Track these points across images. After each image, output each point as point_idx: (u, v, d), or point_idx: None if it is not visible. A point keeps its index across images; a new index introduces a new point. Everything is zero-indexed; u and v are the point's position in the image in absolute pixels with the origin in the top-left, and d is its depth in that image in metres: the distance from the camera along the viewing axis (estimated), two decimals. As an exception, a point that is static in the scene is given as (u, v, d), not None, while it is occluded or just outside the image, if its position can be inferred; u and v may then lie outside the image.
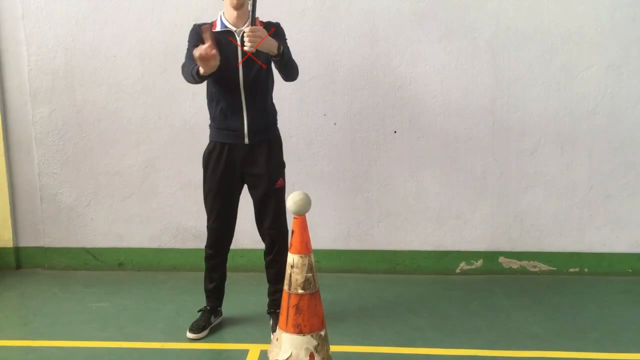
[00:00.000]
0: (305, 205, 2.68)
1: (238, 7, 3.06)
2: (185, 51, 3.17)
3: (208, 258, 3.42)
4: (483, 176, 4.11)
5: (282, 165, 3.33)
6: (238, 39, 3.09)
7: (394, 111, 4.05)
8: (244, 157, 3.22)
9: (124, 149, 4.18)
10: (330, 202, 4.16)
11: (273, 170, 3.25)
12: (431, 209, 4.16)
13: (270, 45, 2.96)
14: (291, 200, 2.67)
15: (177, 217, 4.22)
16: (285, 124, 4.02)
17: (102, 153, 4.19)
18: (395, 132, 4.08)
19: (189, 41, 3.16)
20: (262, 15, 3.97)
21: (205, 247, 3.41)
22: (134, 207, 4.24)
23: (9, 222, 4.28)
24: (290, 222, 2.75)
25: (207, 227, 3.37)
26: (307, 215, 2.71)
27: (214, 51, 2.82)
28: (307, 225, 2.70)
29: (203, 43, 2.87)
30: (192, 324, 3.39)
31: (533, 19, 3.91)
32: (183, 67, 3.13)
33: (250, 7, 2.98)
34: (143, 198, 4.23)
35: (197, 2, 3.98)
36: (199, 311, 3.49)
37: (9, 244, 4.31)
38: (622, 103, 3.98)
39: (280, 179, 3.29)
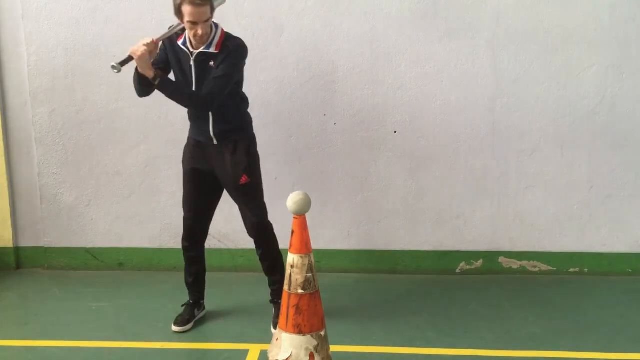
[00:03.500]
0: (305, 205, 2.68)
1: (199, 42, 3.13)
2: None
3: (185, 250, 3.52)
4: (483, 176, 4.11)
5: (246, 163, 3.31)
6: (192, 60, 3.16)
7: (394, 111, 4.05)
8: (213, 156, 3.32)
9: (124, 149, 4.18)
10: (330, 202, 4.16)
11: (235, 167, 3.29)
12: (431, 209, 4.16)
13: (145, 69, 3.07)
14: (291, 200, 2.67)
15: (177, 217, 4.19)
16: (285, 124, 4.04)
17: (102, 153, 4.18)
18: (395, 132, 4.07)
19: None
20: (263, 15, 3.98)
21: (182, 239, 3.52)
22: (134, 207, 4.24)
23: (9, 222, 4.28)
24: (290, 222, 2.75)
25: (183, 219, 3.48)
26: (307, 215, 2.71)
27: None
28: (307, 225, 2.71)
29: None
30: (177, 317, 3.48)
31: (533, 19, 3.91)
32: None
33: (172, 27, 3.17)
34: (143, 198, 4.23)
35: (197, 2, 3.97)
36: (182, 305, 3.56)
37: (9, 244, 4.31)
38: (622, 103, 3.98)
39: (244, 175, 3.30)
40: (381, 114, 4.06)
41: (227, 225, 4.12)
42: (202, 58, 3.15)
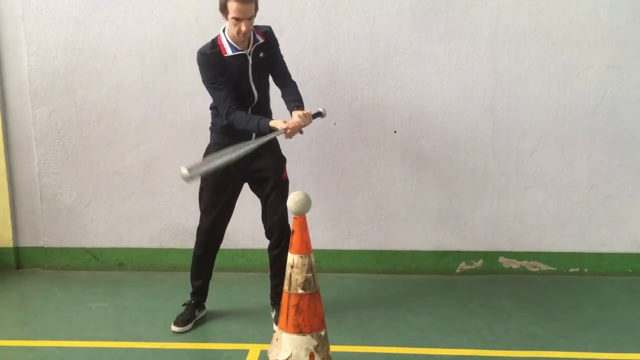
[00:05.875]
0: (305, 205, 2.68)
1: (244, 39, 3.19)
2: (207, 82, 3.25)
3: (198, 257, 3.50)
4: (483, 176, 4.11)
5: (284, 159, 3.46)
6: (250, 58, 3.23)
7: (394, 111, 4.05)
8: (250, 157, 3.24)
9: (124, 149, 4.18)
10: (330, 202, 4.16)
11: (279, 163, 3.39)
12: (431, 209, 4.16)
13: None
14: (291, 200, 2.67)
15: (177, 217, 4.22)
16: (285, 124, 4.03)
17: (102, 153, 4.19)
18: (395, 132, 4.08)
19: (207, 73, 3.22)
20: (263, 15, 3.98)
21: (195, 247, 3.49)
22: (134, 207, 4.24)
23: (9, 222, 4.28)
24: (290, 222, 2.75)
25: (200, 226, 3.43)
26: (307, 215, 2.71)
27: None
28: (307, 225, 2.71)
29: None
30: (177, 317, 3.48)
31: (533, 19, 3.91)
32: (225, 109, 3.21)
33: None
34: (143, 198, 4.23)
35: (197, 2, 3.98)
36: (183, 305, 3.57)
37: (9, 244, 4.31)
38: (622, 103, 3.98)
39: (285, 171, 3.42)
40: (381, 114, 4.06)
41: (227, 225, 4.11)
42: (257, 52, 3.24)
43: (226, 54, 3.19)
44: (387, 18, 3.95)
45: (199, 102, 4.02)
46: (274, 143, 3.37)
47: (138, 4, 4.00)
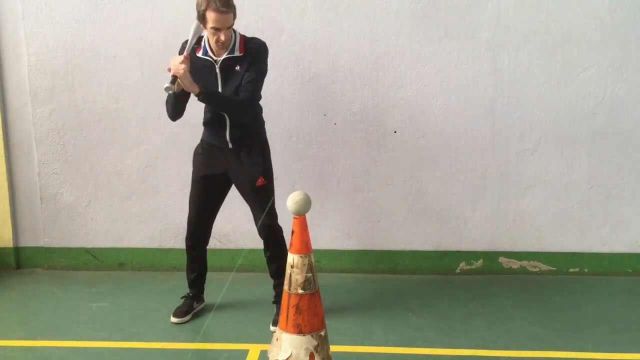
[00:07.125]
0: (305, 205, 2.68)
1: (222, 47, 3.17)
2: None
3: (188, 249, 3.58)
4: (483, 176, 4.11)
5: (262, 166, 3.39)
6: (217, 67, 3.21)
7: (394, 111, 4.05)
8: (229, 159, 3.36)
9: (124, 149, 4.18)
10: (330, 202, 4.16)
11: (252, 169, 3.35)
12: (431, 209, 4.16)
13: (190, 86, 3.08)
14: (291, 200, 2.67)
15: (177, 217, 4.22)
16: (285, 124, 4.03)
17: (102, 153, 4.18)
18: (395, 132, 4.07)
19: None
20: (263, 15, 3.99)
21: (185, 238, 3.57)
22: (134, 207, 4.24)
23: (9, 222, 4.28)
24: (291, 222, 2.75)
25: (188, 218, 3.52)
26: (307, 215, 2.71)
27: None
28: (307, 225, 2.71)
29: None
30: (175, 309, 3.54)
31: (533, 19, 3.91)
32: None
33: (192, 32, 3.15)
34: (143, 198, 4.23)
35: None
36: (182, 297, 3.61)
37: (9, 244, 4.31)
38: (622, 103, 3.98)
39: (261, 177, 3.36)
40: (381, 114, 4.06)
41: (227, 225, 4.12)
42: (228, 64, 3.19)
43: (198, 53, 3.23)
44: (387, 18, 3.95)
45: (199, 102, 4.02)
46: (253, 150, 3.36)
47: (138, 4, 4.00)
